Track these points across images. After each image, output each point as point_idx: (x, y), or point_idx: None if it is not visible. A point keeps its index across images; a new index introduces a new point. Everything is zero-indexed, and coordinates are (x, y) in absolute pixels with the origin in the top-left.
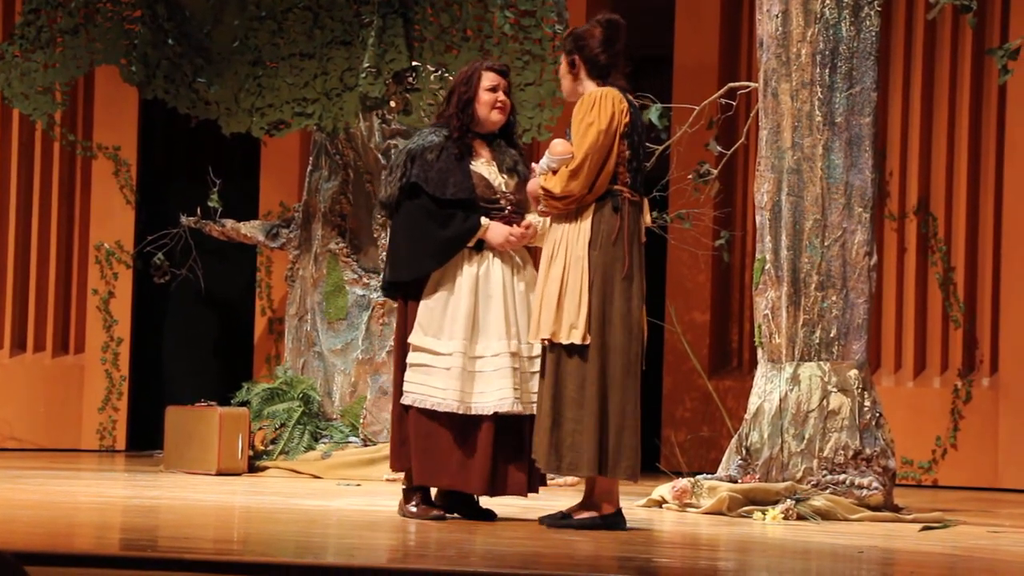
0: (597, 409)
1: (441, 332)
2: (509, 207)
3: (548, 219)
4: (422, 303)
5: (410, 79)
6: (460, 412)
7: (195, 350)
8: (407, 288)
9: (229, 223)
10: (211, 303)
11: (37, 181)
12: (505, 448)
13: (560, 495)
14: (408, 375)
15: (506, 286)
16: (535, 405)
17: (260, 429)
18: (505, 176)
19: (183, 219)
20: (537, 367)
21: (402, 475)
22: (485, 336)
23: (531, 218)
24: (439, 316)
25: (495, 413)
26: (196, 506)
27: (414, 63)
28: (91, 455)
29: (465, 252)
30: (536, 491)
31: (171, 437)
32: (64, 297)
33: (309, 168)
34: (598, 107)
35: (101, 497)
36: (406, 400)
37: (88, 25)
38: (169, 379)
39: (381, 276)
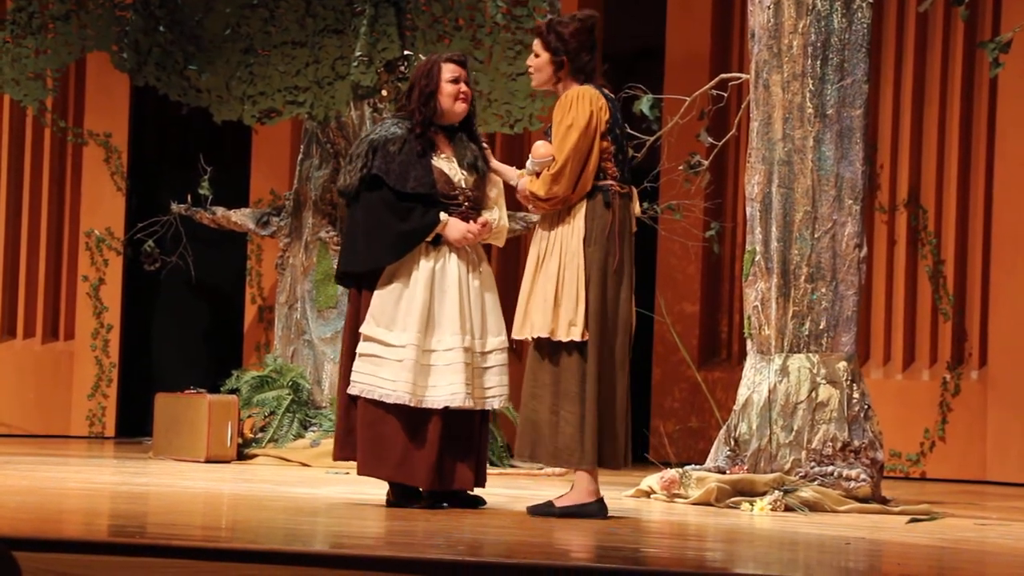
0: (596, 403)
1: (394, 324)
2: (467, 203)
3: (537, 216)
4: (376, 294)
5: (402, 68)
6: (411, 405)
7: (185, 337)
8: (361, 278)
9: (220, 211)
10: (201, 291)
11: (28, 167)
12: (452, 442)
13: (548, 485)
14: (357, 365)
15: (462, 282)
16: (488, 400)
17: (249, 417)
18: (464, 172)
19: (174, 206)
20: (491, 363)
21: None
22: (439, 330)
23: (487, 215)
24: (392, 308)
25: (445, 408)
26: (184, 493)
27: (406, 52)
28: (80, 441)
29: (422, 246)
30: (482, 485)
31: (160, 424)
32: (54, 284)
33: (300, 156)
34: (575, 108)
35: (90, 483)
36: (353, 390)
37: (80, 11)
38: (158, 366)
39: (335, 263)
